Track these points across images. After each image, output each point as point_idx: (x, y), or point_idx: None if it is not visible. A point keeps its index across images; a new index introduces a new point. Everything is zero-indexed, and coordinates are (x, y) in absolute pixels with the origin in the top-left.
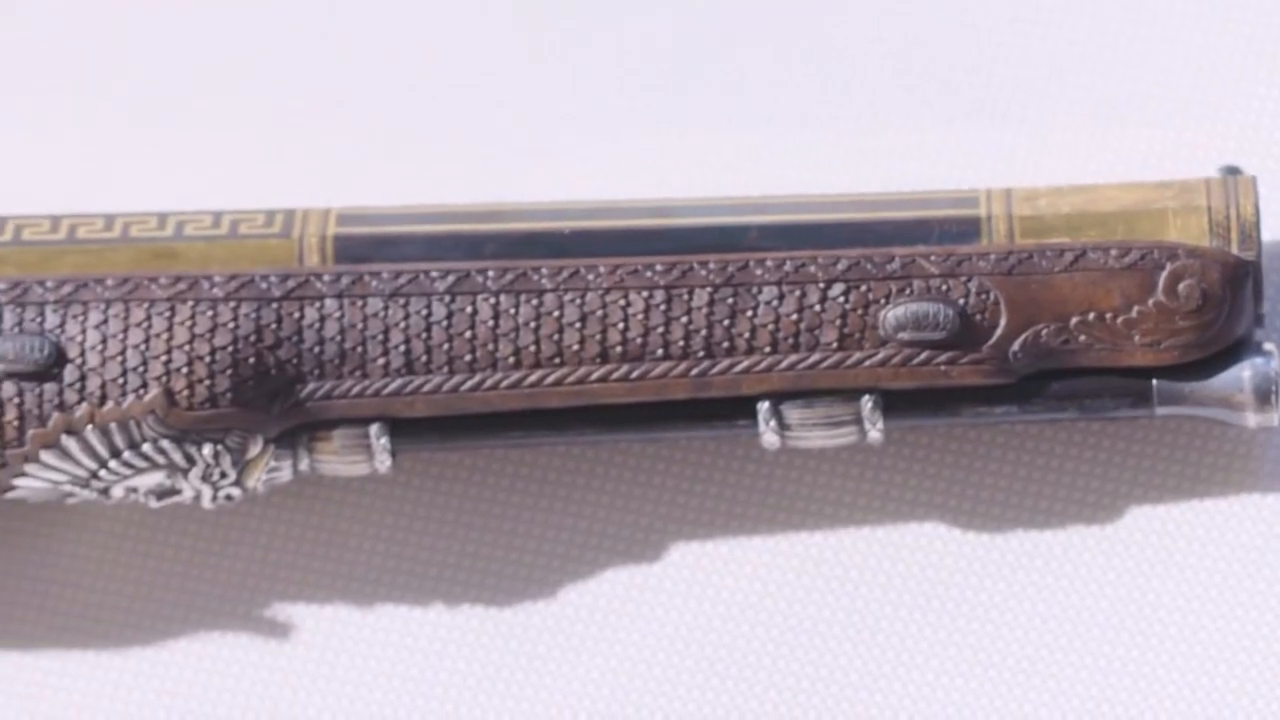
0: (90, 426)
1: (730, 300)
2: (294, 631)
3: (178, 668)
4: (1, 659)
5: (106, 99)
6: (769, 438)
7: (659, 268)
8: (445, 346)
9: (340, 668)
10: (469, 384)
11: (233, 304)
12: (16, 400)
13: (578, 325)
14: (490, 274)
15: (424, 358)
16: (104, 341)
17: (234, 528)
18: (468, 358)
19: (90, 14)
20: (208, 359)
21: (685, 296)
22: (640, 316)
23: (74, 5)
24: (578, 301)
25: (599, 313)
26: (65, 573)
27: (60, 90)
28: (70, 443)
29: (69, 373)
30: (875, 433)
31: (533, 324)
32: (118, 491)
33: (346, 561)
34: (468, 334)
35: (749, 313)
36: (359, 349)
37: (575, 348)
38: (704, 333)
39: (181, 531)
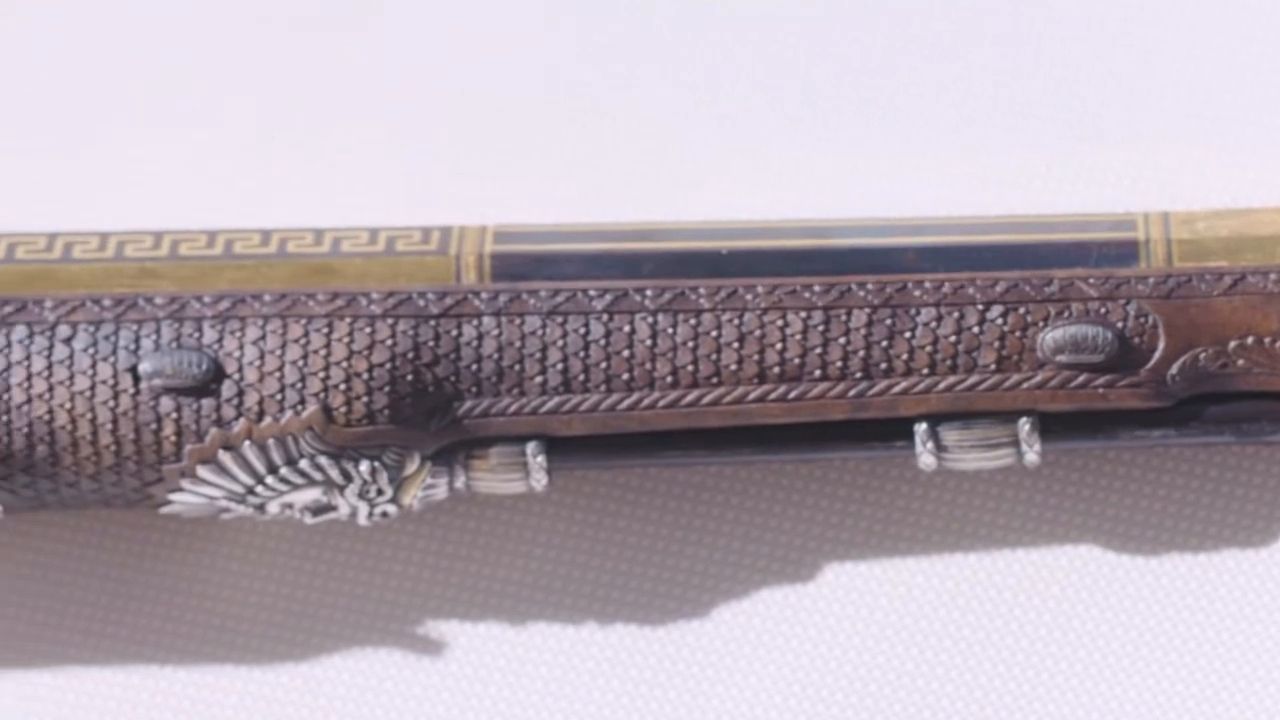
0: (248, 442)
1: (888, 321)
2: (446, 650)
3: (330, 684)
4: (154, 673)
5: (264, 116)
6: (926, 459)
7: (817, 288)
8: (603, 365)
9: (493, 686)
10: (626, 403)
11: (391, 321)
12: (174, 415)
13: (736, 345)
14: (648, 293)
15: (581, 376)
16: (262, 357)
17: (387, 544)
18: (625, 376)
19: (246, 35)
20: (366, 376)
21: (843, 317)
22: (798, 337)
23: (240, 28)
24: (736, 321)
25: (757, 333)
26: (218, 588)
27: (220, 106)
28: (227, 458)
29: (227, 388)
30: (1032, 455)
31: (690, 343)
32: (273, 507)
33: (499, 580)
34: (625, 353)
35: (907, 334)
36: (516, 367)
37: (733, 367)
38: (862, 354)
39: (335, 548)
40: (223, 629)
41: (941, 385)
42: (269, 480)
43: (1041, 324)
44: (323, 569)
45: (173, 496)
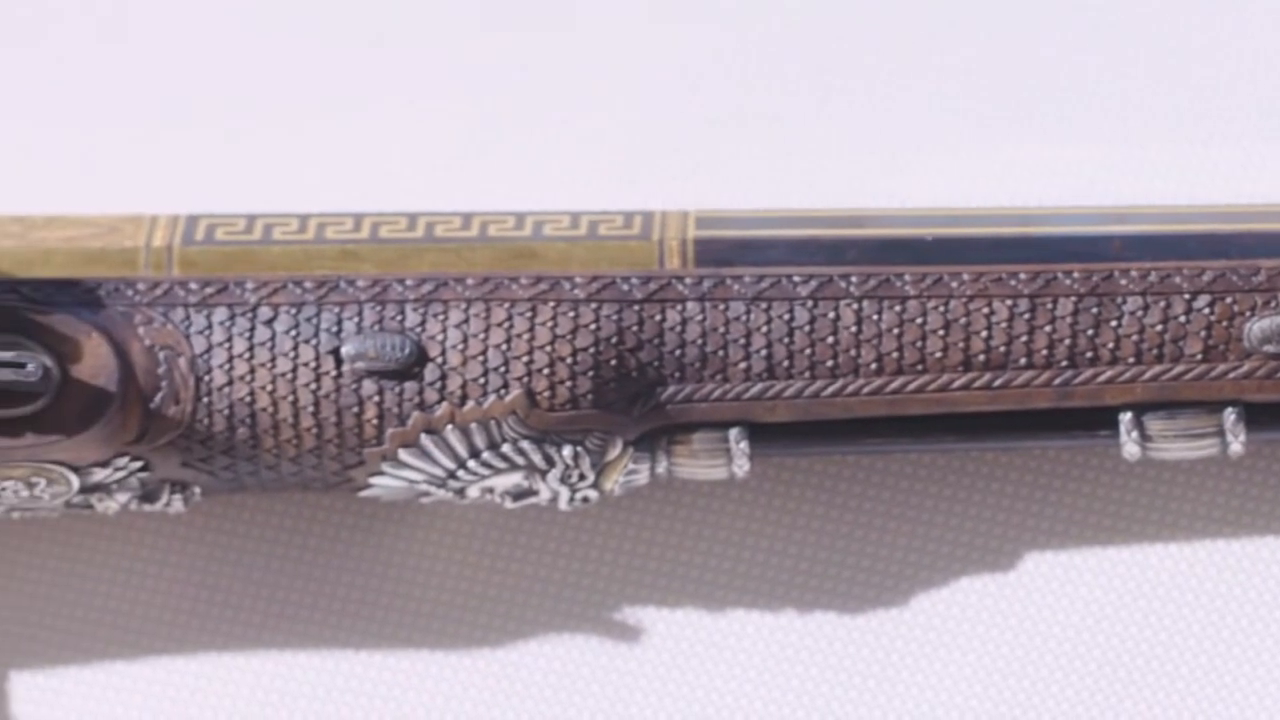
0: (450, 426)
1: (1095, 310)
2: (644, 636)
3: (526, 670)
4: (349, 658)
5: (464, 99)
6: (1130, 449)
7: (1023, 276)
8: (807, 351)
9: (690, 673)
10: (830, 389)
11: (594, 305)
12: (376, 399)
13: (941, 332)
14: (853, 279)
15: (785, 362)
16: (465, 341)
17: (583, 530)
18: (829, 363)
19: (450, 19)
20: (569, 360)
21: (1049, 305)
22: (1004, 325)
23: (444, 11)
24: (941, 309)
25: (962, 320)
26: (413, 572)
27: (423, 89)
28: (429, 442)
29: (429, 372)
30: (1237, 445)
31: (895, 330)
32: (474, 492)
33: (697, 566)
34: (830, 339)
35: (1113, 323)
36: (720, 352)
37: (938, 355)
38: (1068, 342)
39: (531, 533)
40: (418, 614)
41: (1147, 375)
42: (470, 464)
43: (1248, 314)
44: (518, 554)
45: (373, 480)
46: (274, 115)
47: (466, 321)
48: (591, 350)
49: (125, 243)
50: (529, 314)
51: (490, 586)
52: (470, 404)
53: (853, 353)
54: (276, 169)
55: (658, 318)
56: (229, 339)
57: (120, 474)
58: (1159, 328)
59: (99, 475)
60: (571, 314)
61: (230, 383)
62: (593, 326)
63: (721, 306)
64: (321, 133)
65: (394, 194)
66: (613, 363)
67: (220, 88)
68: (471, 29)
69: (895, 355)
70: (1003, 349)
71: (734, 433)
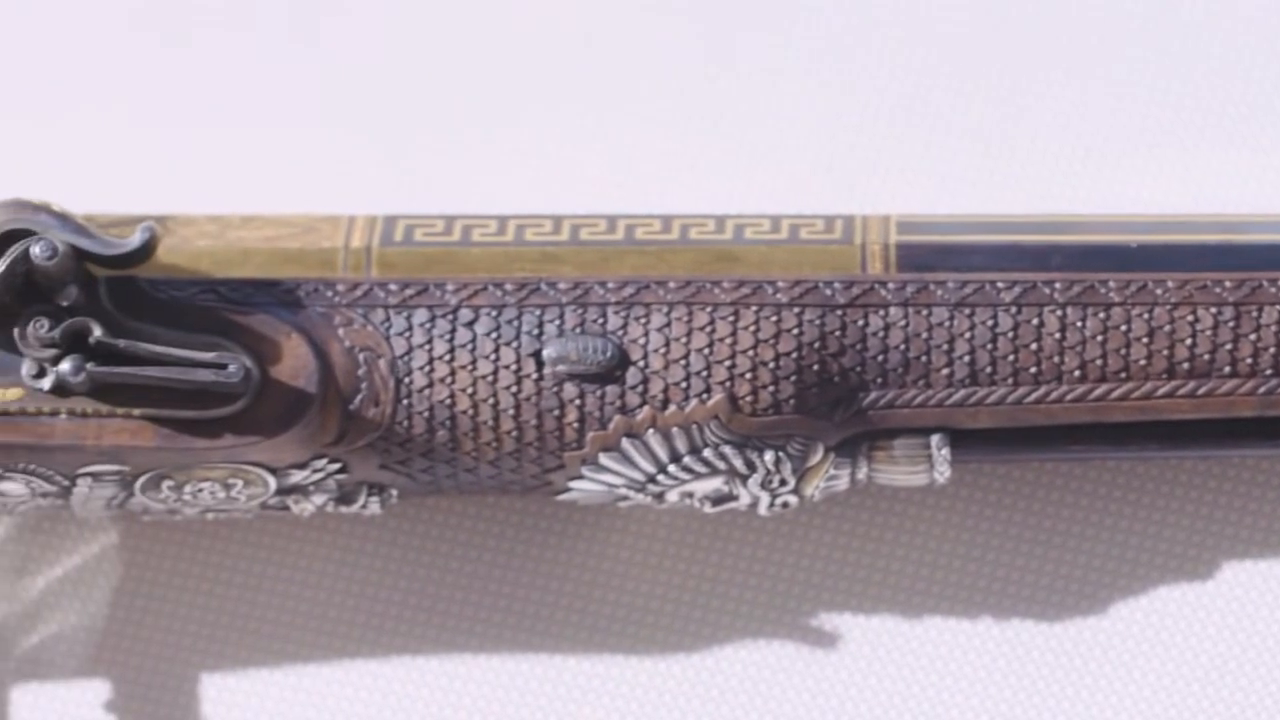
0: (651, 430)
1: None
2: (841, 642)
3: (723, 675)
4: (543, 661)
5: (667, 100)
6: None
7: (1228, 284)
8: (1010, 358)
9: (888, 679)
10: (1033, 396)
11: (797, 309)
12: (577, 402)
13: (1145, 340)
14: (1057, 285)
15: (988, 369)
16: (667, 345)
17: (780, 535)
18: (1032, 369)
19: (648, 17)
20: (772, 364)
21: (1254, 314)
22: (1208, 333)
23: (641, 10)
24: (1145, 316)
25: (1167, 328)
26: (609, 576)
27: (621, 89)
28: (630, 446)
29: (631, 375)
30: None
31: (1099, 337)
32: (673, 496)
33: (894, 572)
34: (1033, 346)
35: None
36: (923, 358)
37: (1142, 362)
38: (1272, 350)
39: (728, 538)
40: (613, 619)
41: None
42: (671, 469)
43: None
44: (714, 559)
45: (572, 484)
46: (466, 116)
47: (668, 325)
48: (794, 355)
49: (323, 243)
50: (731, 318)
51: (685, 591)
52: (672, 408)
53: (1056, 359)
54: (470, 169)
55: (860, 323)
56: (429, 341)
57: (318, 476)
58: None
59: (296, 477)
60: (774, 318)
61: (430, 385)
62: (795, 331)
63: (925, 312)
64: (515, 133)
65: (591, 196)
66: (815, 367)
67: (412, 88)
68: (673, 31)
69: (1099, 362)
70: (1207, 356)
71: (936, 439)
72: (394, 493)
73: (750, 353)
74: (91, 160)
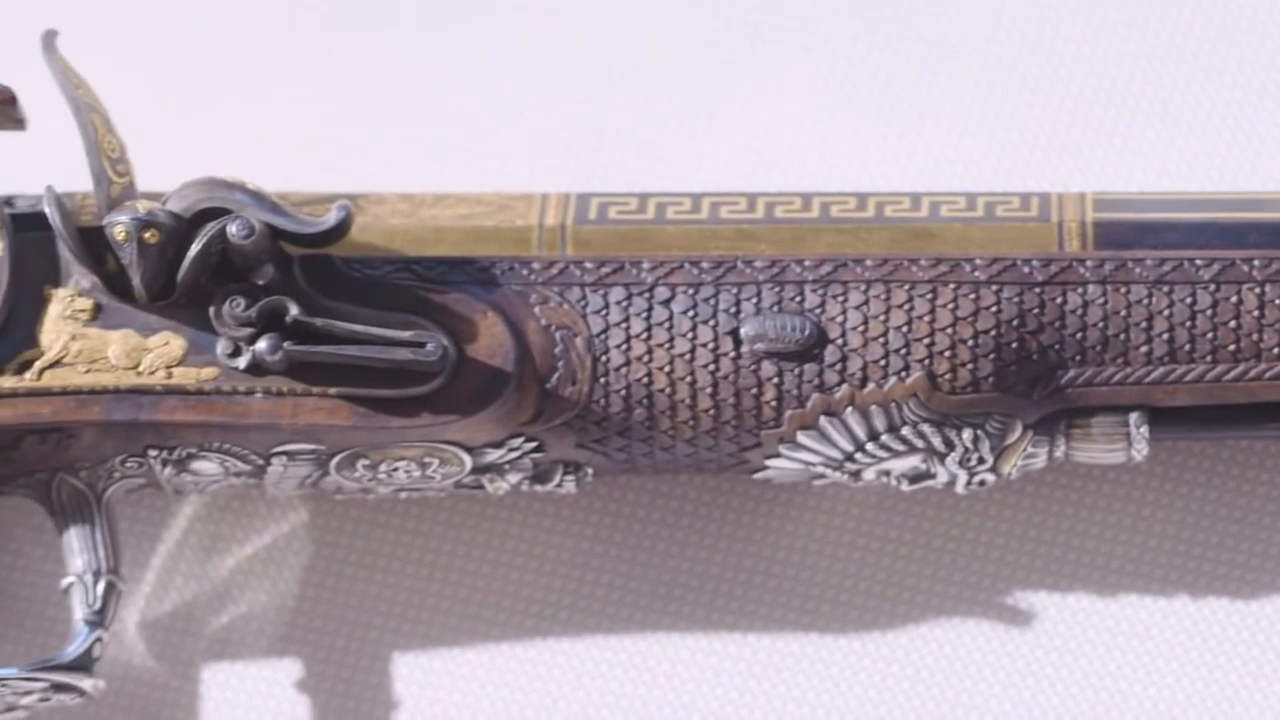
0: (850, 408)
1: None
2: (1037, 620)
3: (918, 653)
4: (737, 640)
5: (858, 75)
6: None
7: None
8: (1209, 335)
9: (1084, 658)
10: (1231, 374)
11: (995, 287)
12: (775, 380)
13: None
14: (1255, 263)
15: (1187, 346)
16: (865, 323)
17: (974, 513)
18: (1231, 347)
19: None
20: (970, 343)
21: None
22: None
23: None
24: None
25: None
26: (803, 555)
27: (809, 66)
28: (828, 424)
29: (829, 353)
30: None
31: None
32: (869, 475)
33: (1089, 550)
34: (1232, 323)
35: None
36: (1121, 336)
37: None
38: None
39: (921, 515)
40: (806, 597)
41: None
42: (869, 447)
43: None
44: (908, 537)
45: (769, 462)
46: (656, 92)
47: (866, 303)
48: (993, 333)
49: (517, 221)
50: (929, 296)
51: (879, 570)
52: (870, 386)
53: (1255, 337)
54: (659, 146)
55: (1059, 300)
56: (626, 319)
57: (514, 454)
58: None
59: (492, 456)
60: (972, 296)
61: (628, 363)
62: (994, 309)
63: (1123, 290)
64: (704, 109)
65: (783, 174)
66: (1014, 345)
67: (603, 67)
68: (862, 5)
69: None
70: None
71: (1134, 417)
72: (589, 471)
73: (949, 330)
74: (279, 138)
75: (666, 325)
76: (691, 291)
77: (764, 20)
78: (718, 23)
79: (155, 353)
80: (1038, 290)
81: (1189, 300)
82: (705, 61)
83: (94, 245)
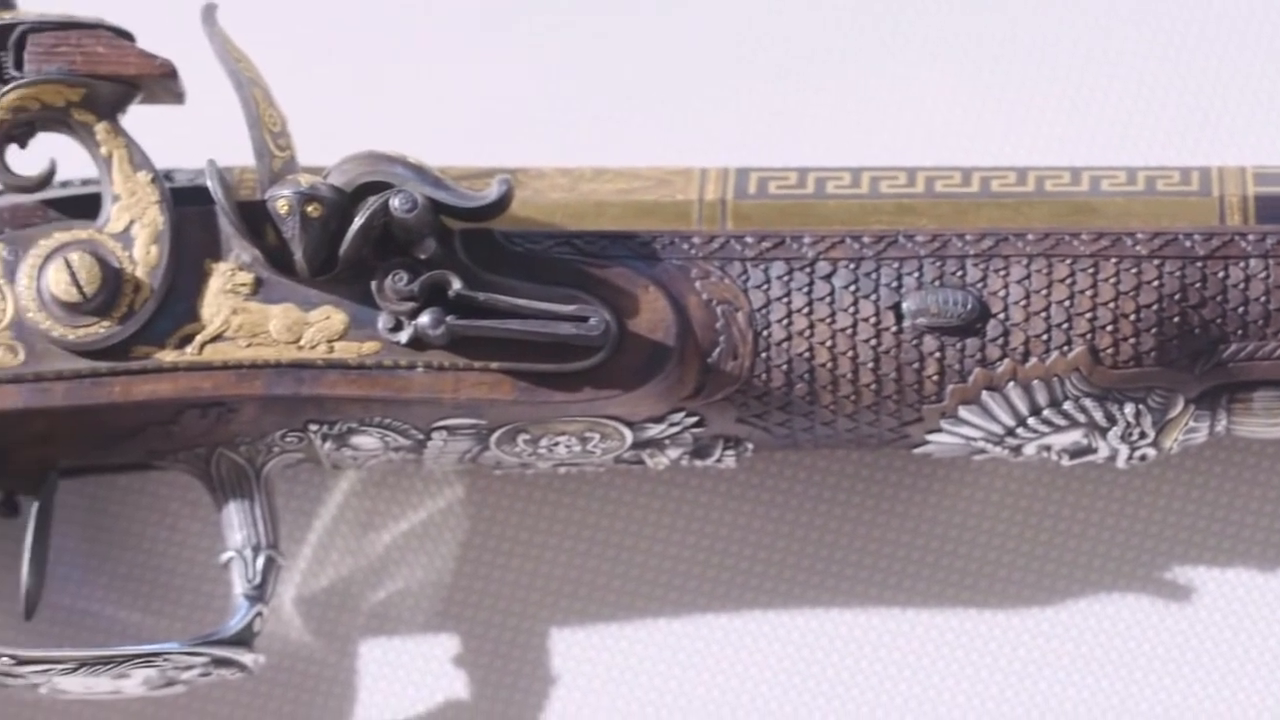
0: (1012, 383)
1: None
2: (1196, 595)
3: (1076, 629)
4: (896, 616)
5: (1016, 51)
6: None
7: None
8: None
9: (1243, 633)
10: None
11: (1156, 262)
12: (937, 354)
13: None
14: None
15: None
16: (1027, 297)
17: (1132, 488)
18: None
19: None
20: (1133, 317)
21: None
22: None
23: None
24: None
25: None
26: (960, 530)
27: (962, 44)
28: (990, 399)
29: (991, 328)
30: None
31: None
32: (1030, 450)
33: (1249, 525)
34: None
35: None
36: None
37: None
38: None
39: (1080, 491)
40: (965, 572)
41: None
42: (1030, 422)
43: None
44: (1067, 512)
45: (930, 437)
46: (818, 69)
47: (1028, 277)
48: (1155, 307)
49: (677, 196)
50: (1091, 270)
51: (1039, 545)
52: (1033, 360)
53: None
54: (822, 121)
55: (1220, 274)
56: (787, 294)
57: (674, 429)
58: None
59: (653, 430)
60: (1134, 270)
61: (789, 338)
62: (1156, 283)
63: None
64: (865, 85)
65: (939, 149)
66: (1175, 320)
67: (767, 44)
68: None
69: None
70: None
71: None
72: (749, 446)
73: (1111, 305)
74: (436, 112)
75: (828, 300)
76: (853, 266)
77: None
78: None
79: (316, 327)
80: (1199, 265)
81: None
82: (862, 35)
83: (254, 219)
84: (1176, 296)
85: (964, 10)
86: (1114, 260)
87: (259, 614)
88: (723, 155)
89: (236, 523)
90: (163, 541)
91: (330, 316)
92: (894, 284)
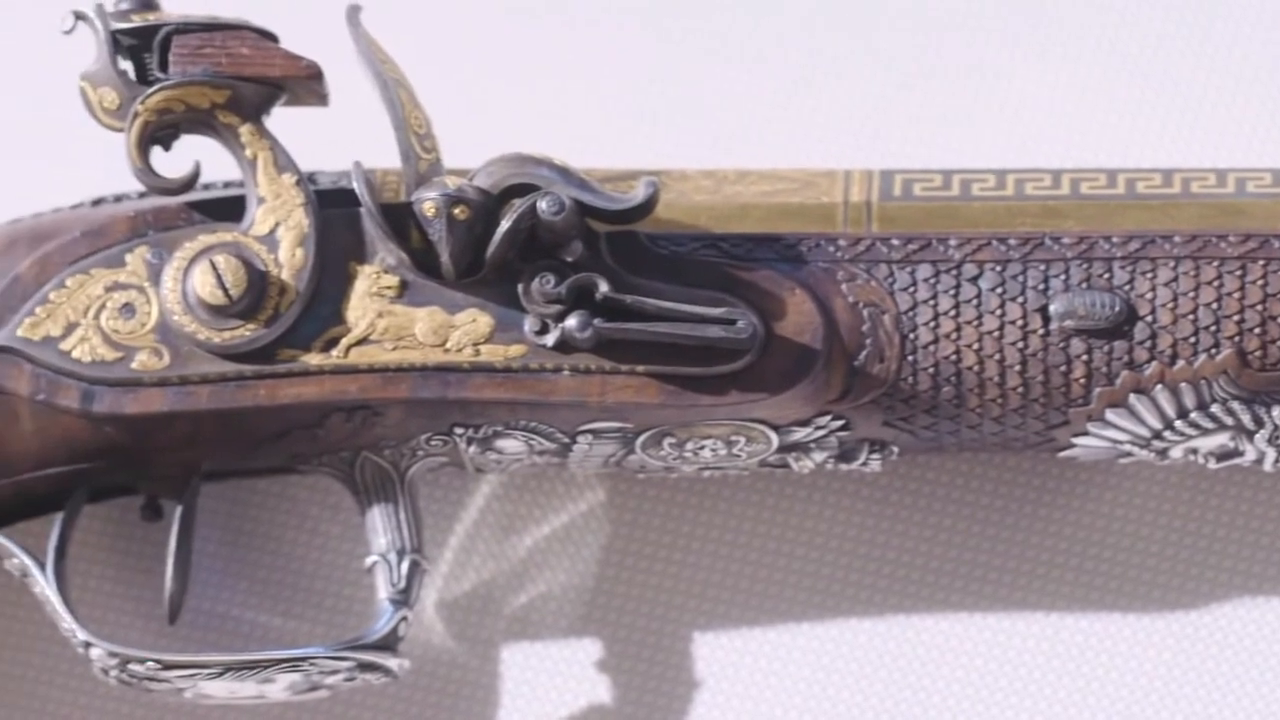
0: (1160, 386)
1: None
2: None
3: (1221, 633)
4: (1039, 620)
5: (1158, 51)
6: None
7: None
8: None
9: None
10: None
11: None
12: (1084, 357)
13: None
14: None
15: None
16: (1175, 300)
17: (1278, 491)
18: None
19: None
20: None
21: None
22: None
23: None
24: None
25: None
26: (1104, 534)
27: (1111, 47)
28: (1138, 402)
29: (1139, 330)
30: None
31: None
32: (1176, 453)
33: None
34: None
35: None
36: None
37: None
38: None
39: (1224, 495)
40: (1110, 576)
41: None
42: (1177, 424)
43: None
44: (1211, 515)
45: (1076, 440)
46: (950, 69)
47: (1176, 280)
48: None
49: (822, 198)
50: (1239, 272)
51: (1184, 549)
52: (1180, 363)
53: None
54: (963, 122)
55: None
56: (934, 296)
57: (820, 432)
58: None
59: (799, 434)
60: None
61: (936, 340)
62: None
63: None
64: (1005, 84)
65: (1080, 150)
66: None
67: (913, 45)
68: None
69: None
70: None
71: None
72: (895, 450)
73: (1259, 307)
74: (576, 113)
75: (975, 302)
76: (999, 268)
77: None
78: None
79: (462, 330)
80: None
81: None
82: (1003, 36)
83: (398, 222)
84: None
85: (1107, 9)
86: (1262, 262)
87: (404, 618)
88: (862, 157)
89: (381, 527)
90: (303, 545)
91: (476, 319)
92: (1041, 286)
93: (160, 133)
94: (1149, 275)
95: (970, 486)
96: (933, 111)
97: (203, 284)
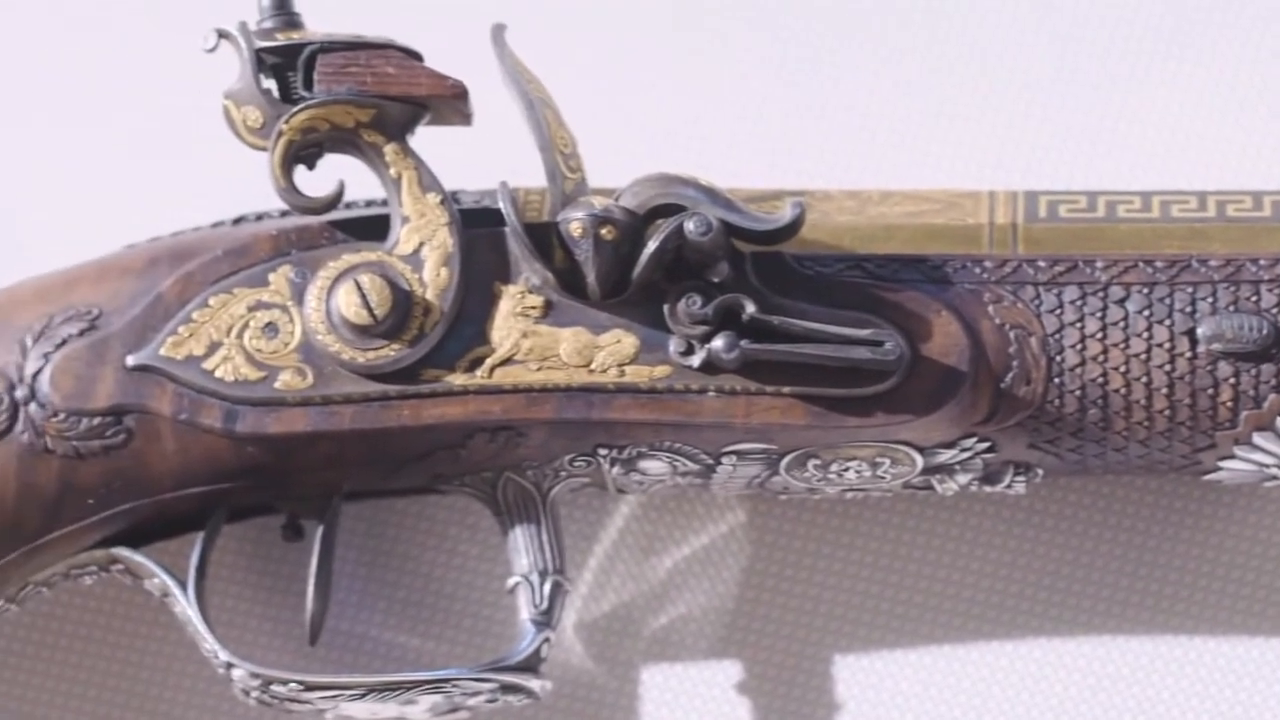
0: None
1: None
2: None
3: None
4: (1184, 644)
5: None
6: None
7: None
8: None
9: None
10: None
11: None
12: (1232, 380)
13: None
14: None
15: None
16: None
17: None
18: None
19: None
20: None
21: None
22: None
23: None
24: None
25: None
26: (1247, 557)
27: (1240, 68)
28: None
29: None
30: None
31: None
32: None
33: None
34: None
35: None
36: None
37: None
38: None
39: None
40: (1252, 599)
41: None
42: None
43: None
44: None
45: (1221, 464)
46: (1084, 89)
47: None
48: None
49: (967, 219)
50: None
51: None
52: None
53: None
54: (1109, 144)
55: None
56: (1081, 318)
57: (966, 455)
58: None
59: (944, 456)
60: None
61: (1083, 363)
62: None
63: None
64: (1145, 108)
65: (1221, 172)
66: None
67: (1030, 68)
68: None
69: None
70: None
71: None
72: (1039, 472)
73: None
74: (715, 132)
75: (1121, 325)
76: (1146, 291)
77: (1195, 17)
78: (1150, 16)
79: (607, 350)
80: None
81: None
82: (1149, 57)
83: (541, 241)
84: None
85: (1249, 30)
86: None
87: (546, 639)
88: (1005, 178)
89: (523, 548)
90: (441, 566)
91: (621, 340)
92: (1188, 309)
93: (304, 151)
94: None
95: (1114, 509)
96: (1074, 130)
97: (347, 304)
